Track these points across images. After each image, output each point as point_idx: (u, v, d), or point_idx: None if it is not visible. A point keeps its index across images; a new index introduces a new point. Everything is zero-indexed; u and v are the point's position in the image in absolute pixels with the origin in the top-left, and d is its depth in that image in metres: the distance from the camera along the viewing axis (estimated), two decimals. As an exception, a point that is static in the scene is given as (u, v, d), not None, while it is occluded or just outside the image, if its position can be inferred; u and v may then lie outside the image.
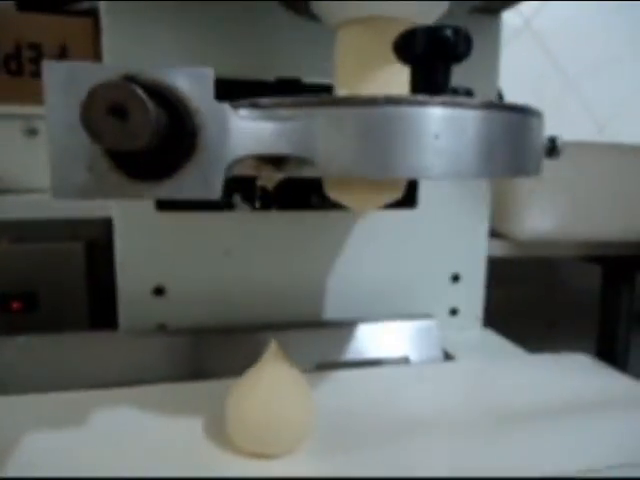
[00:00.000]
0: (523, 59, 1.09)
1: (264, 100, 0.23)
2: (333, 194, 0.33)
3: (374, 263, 0.51)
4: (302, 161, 0.23)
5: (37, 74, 0.84)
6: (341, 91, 0.31)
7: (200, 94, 0.22)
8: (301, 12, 0.35)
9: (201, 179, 0.22)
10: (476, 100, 0.24)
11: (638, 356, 0.72)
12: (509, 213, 0.58)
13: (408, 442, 0.31)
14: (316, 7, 0.32)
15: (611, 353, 0.67)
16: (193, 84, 0.21)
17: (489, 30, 0.52)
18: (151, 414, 0.33)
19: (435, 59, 0.23)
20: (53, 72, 0.21)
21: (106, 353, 0.42)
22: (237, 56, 0.47)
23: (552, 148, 0.35)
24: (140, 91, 0.19)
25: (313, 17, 0.34)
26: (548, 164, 0.34)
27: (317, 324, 0.48)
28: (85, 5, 0.86)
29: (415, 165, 0.23)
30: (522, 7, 0.54)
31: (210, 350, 0.44)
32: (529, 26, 1.12)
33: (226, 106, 0.22)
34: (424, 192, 0.51)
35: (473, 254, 0.54)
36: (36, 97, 0.82)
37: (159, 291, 0.48)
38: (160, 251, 0.47)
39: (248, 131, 0.22)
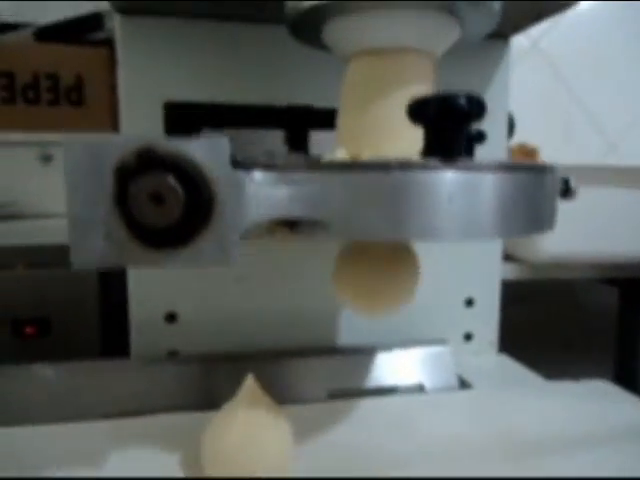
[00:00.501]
0: (531, 80, 1.10)
1: (279, 162, 0.24)
2: (341, 291, 0.33)
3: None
4: (316, 224, 0.23)
5: (54, 103, 0.86)
6: (344, 120, 0.31)
7: (216, 163, 0.22)
8: (312, 42, 0.36)
9: (218, 247, 0.22)
10: (489, 163, 0.25)
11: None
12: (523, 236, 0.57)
13: (420, 472, 0.30)
14: (327, 37, 0.33)
15: (629, 376, 0.65)
16: (209, 153, 0.22)
17: (499, 55, 0.52)
18: (158, 445, 0.33)
19: (449, 125, 0.24)
20: (73, 151, 0.22)
21: (118, 381, 0.42)
22: (251, 82, 0.48)
23: (566, 190, 0.35)
24: (173, 180, 0.21)
25: (324, 47, 0.35)
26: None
27: (330, 351, 0.47)
28: (101, 35, 0.88)
29: (429, 228, 0.24)
30: (530, 29, 0.55)
31: (221, 378, 0.44)
32: (537, 47, 1.13)
33: (242, 173, 0.23)
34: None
35: (487, 278, 0.54)
36: (52, 125, 0.84)
37: (171, 317, 0.48)
38: (172, 277, 0.47)
39: (263, 196, 0.23)
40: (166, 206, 0.21)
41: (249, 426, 0.29)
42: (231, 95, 0.47)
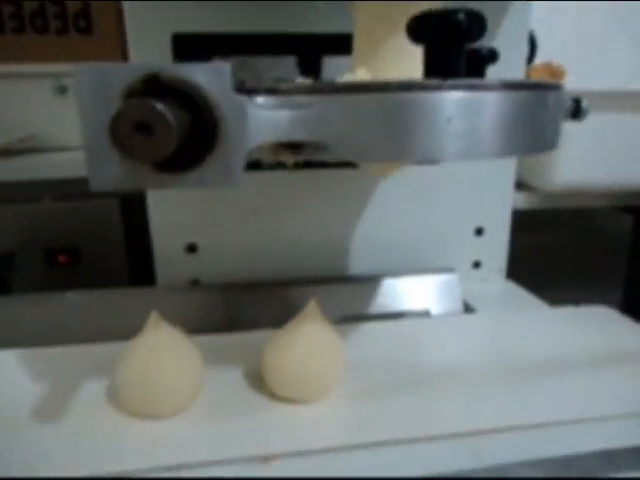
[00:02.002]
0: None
1: (281, 86, 0.24)
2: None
3: (399, 218, 0.52)
4: (318, 147, 0.24)
5: (62, 31, 0.85)
6: (358, 68, 0.31)
7: (219, 88, 0.22)
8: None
9: (223, 169, 0.23)
10: (489, 81, 0.24)
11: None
12: (536, 164, 0.57)
13: (428, 389, 0.33)
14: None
15: (636, 303, 0.66)
16: (212, 78, 0.22)
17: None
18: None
19: (448, 43, 0.23)
20: (84, 75, 0.22)
21: (146, 307, 0.45)
22: (260, 10, 0.46)
23: (576, 109, 0.34)
24: (161, 107, 0.20)
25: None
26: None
27: (343, 279, 0.50)
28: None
29: (428, 149, 0.24)
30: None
31: (240, 304, 0.47)
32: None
33: (244, 98, 0.23)
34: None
35: (498, 208, 0.54)
36: (62, 54, 0.83)
37: (192, 248, 0.51)
38: (191, 210, 0.49)
39: (265, 120, 0.23)
40: (155, 137, 0.20)
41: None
42: (241, 24, 0.47)
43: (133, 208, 0.76)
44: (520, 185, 0.61)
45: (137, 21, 0.46)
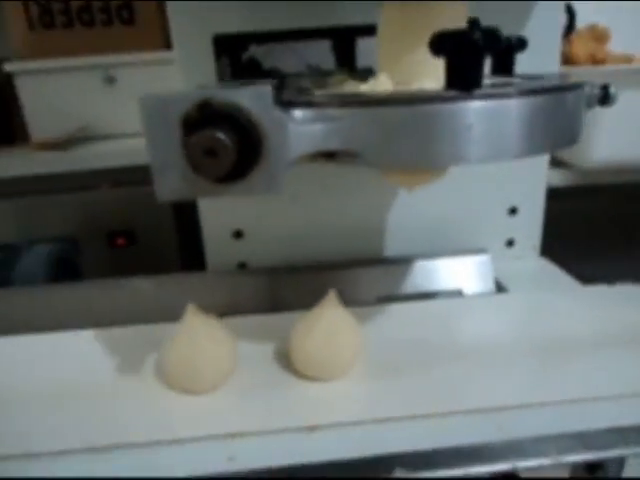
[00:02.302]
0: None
1: (316, 99, 0.27)
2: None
3: (432, 199, 0.54)
4: (350, 155, 0.27)
5: (107, 23, 0.89)
6: (380, 75, 0.33)
7: (261, 109, 0.25)
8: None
9: (267, 179, 0.26)
10: (508, 89, 0.26)
11: None
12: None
13: (454, 366, 0.36)
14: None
15: None
16: (254, 101, 0.25)
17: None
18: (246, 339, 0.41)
19: (466, 59, 0.25)
20: (148, 104, 0.26)
21: (199, 291, 0.50)
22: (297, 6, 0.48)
23: (605, 96, 0.35)
24: (223, 136, 0.24)
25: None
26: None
27: (378, 261, 0.53)
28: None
29: (451, 155, 0.27)
30: None
31: (284, 286, 0.51)
32: None
33: (283, 115, 0.26)
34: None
35: (532, 186, 0.55)
36: (108, 46, 0.87)
37: (238, 234, 0.55)
38: (236, 200, 0.53)
39: (303, 133, 0.26)
40: (219, 160, 0.25)
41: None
42: (278, 22, 0.49)
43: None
44: (556, 162, 0.61)
45: (180, 21, 0.49)
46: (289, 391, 0.35)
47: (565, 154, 0.59)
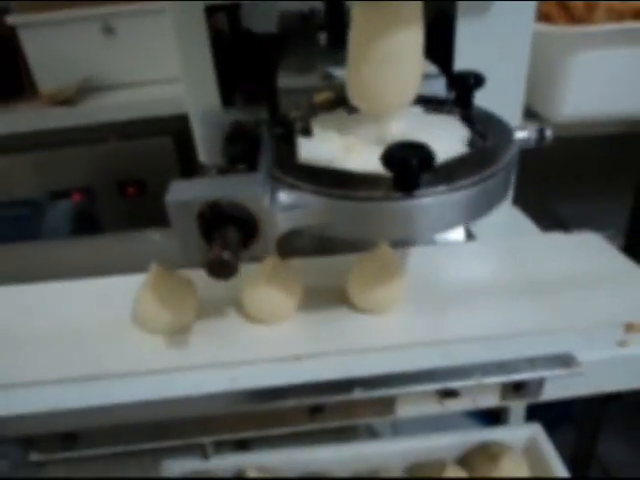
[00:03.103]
0: None
1: (299, 184, 0.35)
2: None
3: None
4: (321, 230, 0.36)
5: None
6: (350, 65, 0.38)
7: (256, 205, 0.34)
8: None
9: (262, 248, 0.35)
10: (440, 188, 0.34)
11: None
12: (545, 96, 0.60)
13: (438, 305, 0.43)
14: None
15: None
16: (252, 201, 0.34)
17: None
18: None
19: (406, 174, 0.33)
20: (173, 203, 0.34)
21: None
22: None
23: (541, 138, 0.42)
24: (228, 256, 0.32)
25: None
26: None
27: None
28: None
29: (401, 234, 0.37)
30: None
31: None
32: None
33: (273, 207, 0.34)
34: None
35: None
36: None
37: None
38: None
39: (287, 217, 0.35)
40: (226, 270, 0.32)
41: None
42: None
43: (184, 144, 0.86)
44: (530, 114, 0.65)
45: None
46: (345, 322, 0.42)
47: (538, 107, 0.63)
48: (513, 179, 0.61)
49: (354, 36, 0.37)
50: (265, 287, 0.41)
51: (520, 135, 0.44)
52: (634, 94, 0.58)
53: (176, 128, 0.85)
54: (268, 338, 0.41)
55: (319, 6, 0.69)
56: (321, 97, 0.51)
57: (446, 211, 0.35)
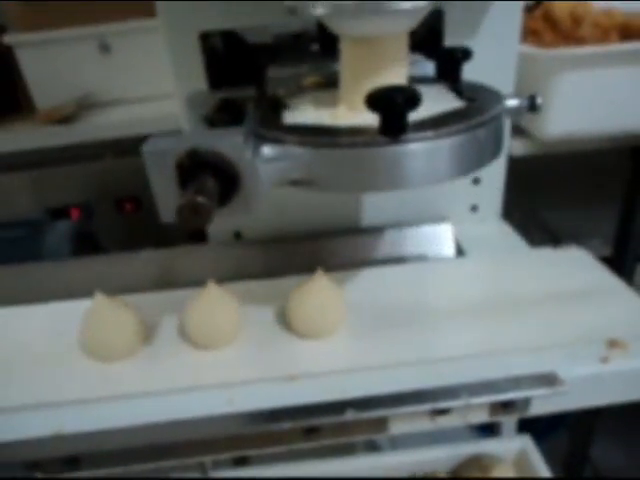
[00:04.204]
0: None
1: (282, 135, 0.34)
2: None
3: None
4: (308, 183, 0.34)
5: (99, -8, 0.91)
6: (340, 106, 0.39)
7: (237, 154, 0.32)
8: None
9: (244, 206, 0.34)
10: (428, 133, 0.33)
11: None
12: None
13: (427, 324, 0.44)
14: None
15: (626, 236, 0.73)
16: (231, 148, 0.32)
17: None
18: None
19: (390, 114, 0.32)
20: (150, 153, 0.34)
21: (202, 261, 0.58)
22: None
23: (532, 105, 0.42)
24: (204, 200, 0.31)
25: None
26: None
27: (354, 231, 0.60)
28: None
29: (387, 183, 0.34)
30: None
31: (275, 254, 0.59)
32: None
33: (254, 158, 0.33)
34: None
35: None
36: (102, 15, 0.91)
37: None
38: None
39: (270, 170, 0.34)
40: (200, 216, 0.31)
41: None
42: (262, 19, 0.53)
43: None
44: (519, 131, 0.66)
45: (169, 19, 0.53)
46: (286, 346, 0.43)
47: (527, 124, 0.65)
48: (500, 194, 0.63)
49: (343, 67, 0.39)
50: (207, 312, 0.42)
51: (511, 102, 0.43)
52: (617, 113, 0.60)
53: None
54: (209, 363, 0.42)
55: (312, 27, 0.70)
56: (310, 80, 0.52)
57: (434, 159, 0.34)
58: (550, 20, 0.89)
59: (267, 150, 0.34)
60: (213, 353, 0.43)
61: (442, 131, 0.33)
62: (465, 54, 0.42)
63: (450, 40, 0.55)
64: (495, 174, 0.62)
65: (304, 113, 0.40)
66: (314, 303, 0.43)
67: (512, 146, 0.61)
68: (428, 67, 0.48)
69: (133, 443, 0.37)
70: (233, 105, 0.45)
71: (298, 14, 0.35)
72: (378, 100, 0.32)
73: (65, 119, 0.87)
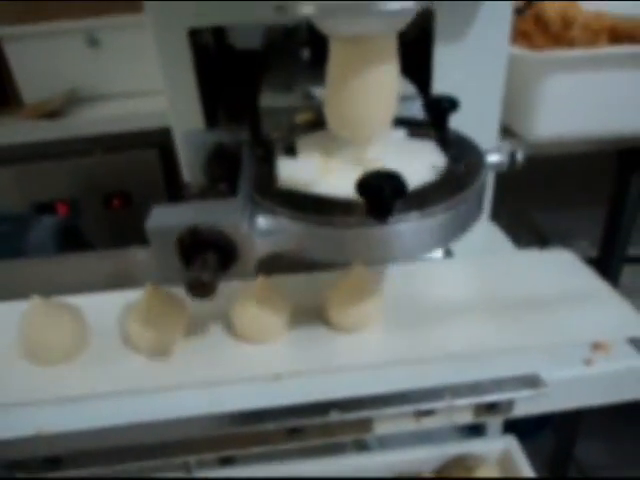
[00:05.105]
0: None
1: (276, 210, 0.36)
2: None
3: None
4: (300, 254, 0.37)
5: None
6: (329, 94, 0.39)
7: (237, 230, 0.35)
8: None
9: (241, 271, 0.36)
10: (412, 215, 0.35)
11: None
12: (520, 115, 0.62)
13: (411, 325, 0.44)
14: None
15: (613, 236, 0.73)
16: (232, 224, 0.35)
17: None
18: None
19: (376, 200, 0.34)
20: (155, 233, 0.35)
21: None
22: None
23: (512, 162, 0.43)
24: (207, 277, 0.33)
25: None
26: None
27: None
28: None
29: (374, 258, 0.37)
30: None
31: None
32: None
33: (251, 233, 0.35)
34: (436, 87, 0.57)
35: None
36: (90, 9, 0.90)
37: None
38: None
39: (264, 242, 0.36)
40: (205, 289, 0.33)
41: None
42: (249, 16, 0.53)
43: (168, 156, 0.87)
44: (508, 132, 0.67)
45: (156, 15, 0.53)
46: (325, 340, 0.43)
47: (515, 125, 0.65)
48: (488, 198, 0.64)
49: (332, 68, 0.38)
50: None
51: (492, 159, 0.46)
52: (604, 115, 0.61)
53: (160, 140, 0.86)
54: (248, 357, 0.42)
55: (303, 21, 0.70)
56: (302, 117, 0.53)
57: (419, 237, 0.36)
58: (541, 22, 0.90)
59: (262, 221, 0.36)
60: (256, 347, 0.43)
61: (426, 211, 0.35)
62: (451, 104, 0.43)
63: (440, 42, 0.55)
64: (484, 175, 0.62)
65: (297, 167, 0.41)
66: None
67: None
68: (418, 105, 0.51)
69: (116, 443, 0.37)
70: (228, 152, 0.46)
71: (286, 14, 0.34)
72: (367, 189, 0.33)
73: (52, 114, 0.86)
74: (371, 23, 0.34)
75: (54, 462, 0.38)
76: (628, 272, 0.83)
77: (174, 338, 0.43)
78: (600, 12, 0.93)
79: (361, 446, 0.78)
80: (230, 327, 0.44)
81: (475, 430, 0.75)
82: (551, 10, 0.89)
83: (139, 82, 0.95)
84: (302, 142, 0.45)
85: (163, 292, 0.43)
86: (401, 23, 0.36)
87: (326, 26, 0.36)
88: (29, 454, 0.37)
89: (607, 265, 0.77)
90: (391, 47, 0.36)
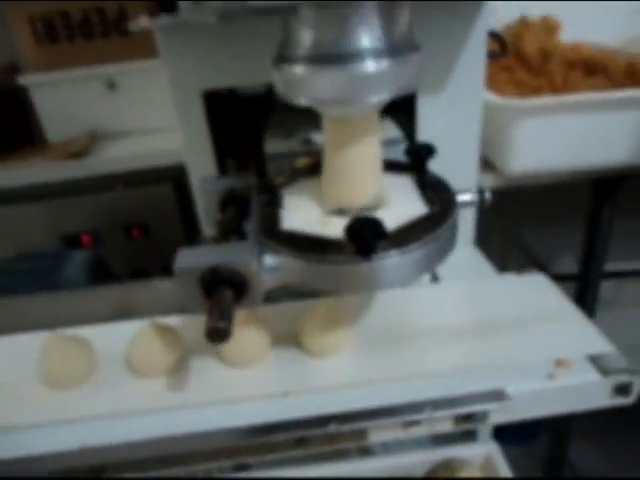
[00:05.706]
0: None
1: (280, 250, 0.43)
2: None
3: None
4: (301, 286, 0.44)
5: (105, 35, 0.98)
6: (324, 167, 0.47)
7: (249, 269, 0.41)
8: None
9: (251, 302, 0.43)
10: (392, 252, 0.42)
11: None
12: (498, 152, 0.69)
13: (396, 346, 0.50)
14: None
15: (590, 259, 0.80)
16: (245, 264, 0.41)
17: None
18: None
19: (364, 244, 0.41)
20: (181, 272, 0.42)
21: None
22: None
23: (482, 200, 0.50)
24: (224, 324, 0.39)
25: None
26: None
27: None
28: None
29: (362, 286, 0.44)
30: None
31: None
32: None
33: (260, 270, 0.42)
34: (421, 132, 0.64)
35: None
36: (108, 55, 0.99)
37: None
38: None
39: (271, 277, 0.43)
40: (223, 336, 0.39)
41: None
42: (257, 78, 0.60)
43: (182, 189, 0.95)
44: (489, 165, 0.74)
45: (174, 79, 0.61)
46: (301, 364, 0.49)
47: (494, 161, 0.72)
48: (472, 226, 0.70)
49: (327, 144, 0.46)
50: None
51: (463, 198, 0.53)
52: (572, 152, 0.67)
53: (174, 175, 0.94)
54: (236, 380, 0.48)
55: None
56: (301, 162, 0.60)
57: (399, 270, 0.44)
58: (521, 56, 0.97)
59: (268, 260, 0.43)
60: (239, 371, 0.49)
61: (405, 249, 0.42)
62: (429, 151, 0.51)
63: (422, 94, 0.63)
64: (466, 206, 0.69)
65: (297, 218, 0.48)
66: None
67: (481, 179, 0.68)
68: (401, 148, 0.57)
69: (148, 454, 0.44)
70: (238, 195, 0.54)
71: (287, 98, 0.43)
72: (354, 233, 0.41)
73: (77, 154, 0.95)
74: (354, 108, 0.42)
75: (97, 471, 0.45)
76: (608, 287, 0.89)
77: (168, 365, 0.49)
78: (577, 44, 1.00)
79: (365, 452, 0.85)
80: (219, 354, 0.50)
81: (468, 436, 0.81)
82: (530, 46, 0.96)
83: (152, 120, 1.04)
84: (299, 190, 0.52)
85: (162, 326, 0.50)
86: (380, 105, 0.43)
87: (319, 109, 0.44)
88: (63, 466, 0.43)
89: (587, 280, 0.83)
90: (373, 121, 0.44)
